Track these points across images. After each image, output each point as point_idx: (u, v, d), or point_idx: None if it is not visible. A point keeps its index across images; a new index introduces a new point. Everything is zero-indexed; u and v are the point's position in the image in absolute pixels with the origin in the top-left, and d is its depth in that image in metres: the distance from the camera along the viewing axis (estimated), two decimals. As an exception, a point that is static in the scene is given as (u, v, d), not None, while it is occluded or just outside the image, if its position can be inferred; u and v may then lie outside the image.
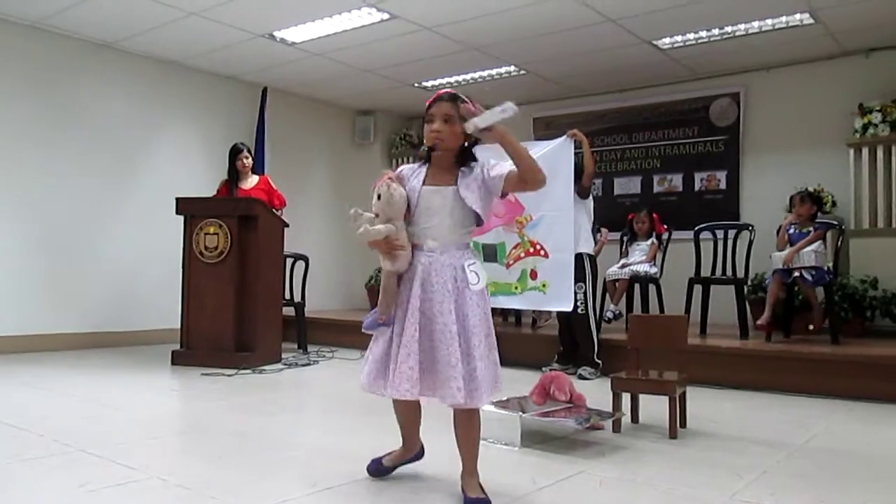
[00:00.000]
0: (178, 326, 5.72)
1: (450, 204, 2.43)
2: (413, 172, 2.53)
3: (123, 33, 6.52)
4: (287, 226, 6.09)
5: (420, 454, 2.77)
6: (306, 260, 6.92)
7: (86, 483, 2.54)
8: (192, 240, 5.63)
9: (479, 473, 2.46)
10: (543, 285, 5.54)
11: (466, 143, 2.45)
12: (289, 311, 6.46)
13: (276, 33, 6.49)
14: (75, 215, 6.60)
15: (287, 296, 6.60)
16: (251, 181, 6.11)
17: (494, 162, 2.43)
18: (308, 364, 5.91)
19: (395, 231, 2.43)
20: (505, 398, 3.52)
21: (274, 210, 6.01)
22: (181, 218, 5.73)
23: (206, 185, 6.57)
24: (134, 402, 4.31)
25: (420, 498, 2.51)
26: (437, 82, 7.88)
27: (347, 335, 7.15)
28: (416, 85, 8.00)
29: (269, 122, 8.04)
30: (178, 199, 5.78)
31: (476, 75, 7.59)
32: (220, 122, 7.71)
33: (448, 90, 2.50)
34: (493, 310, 5.98)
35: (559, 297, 5.44)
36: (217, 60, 7.26)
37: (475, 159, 2.49)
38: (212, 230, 5.55)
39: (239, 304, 5.55)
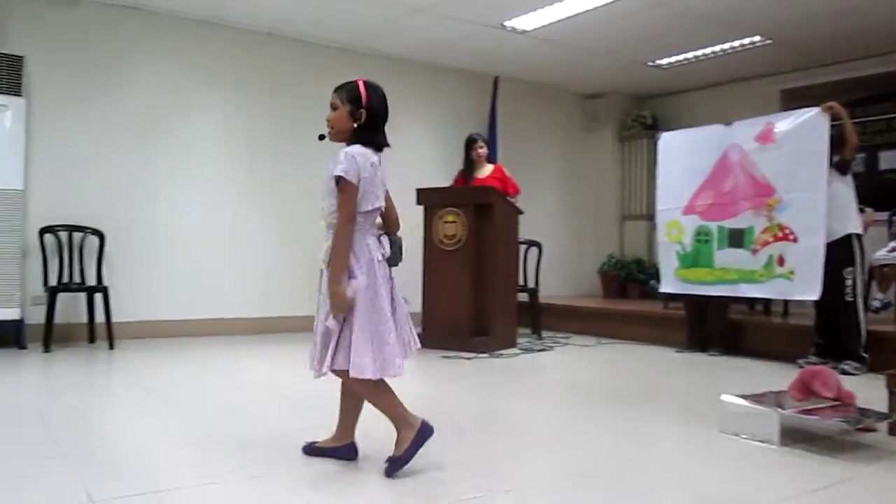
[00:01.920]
0: (419, 310, 6.00)
1: (324, 184, 2.53)
2: None
3: (356, 35, 6.93)
4: (521, 213, 6.16)
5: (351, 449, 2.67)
6: (540, 246, 6.96)
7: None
8: (431, 228, 5.88)
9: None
10: (790, 272, 5.13)
11: (356, 125, 2.51)
12: (522, 296, 6.54)
13: (506, 23, 6.55)
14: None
15: (521, 282, 6.68)
16: (486, 170, 6.24)
17: (342, 160, 2.43)
18: (543, 350, 5.95)
19: None
20: (761, 392, 3.29)
21: (508, 197, 6.10)
22: (415, 205, 5.99)
23: (441, 175, 6.84)
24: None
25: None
26: (672, 59, 7.54)
27: (581, 321, 7.12)
28: (649, 64, 7.71)
29: (501, 111, 8.16)
30: (418, 191, 6.05)
31: (717, 48, 7.13)
32: (451, 113, 7.95)
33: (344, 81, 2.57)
34: (737, 298, 5.74)
35: (806, 286, 5.01)
36: (449, 54, 7.50)
37: (368, 142, 2.52)
38: (450, 219, 5.76)
39: (476, 290, 5.71)
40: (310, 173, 6.97)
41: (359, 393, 2.58)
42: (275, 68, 6.89)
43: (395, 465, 2.45)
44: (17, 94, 5.49)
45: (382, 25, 6.63)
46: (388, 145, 2.60)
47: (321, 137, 2.62)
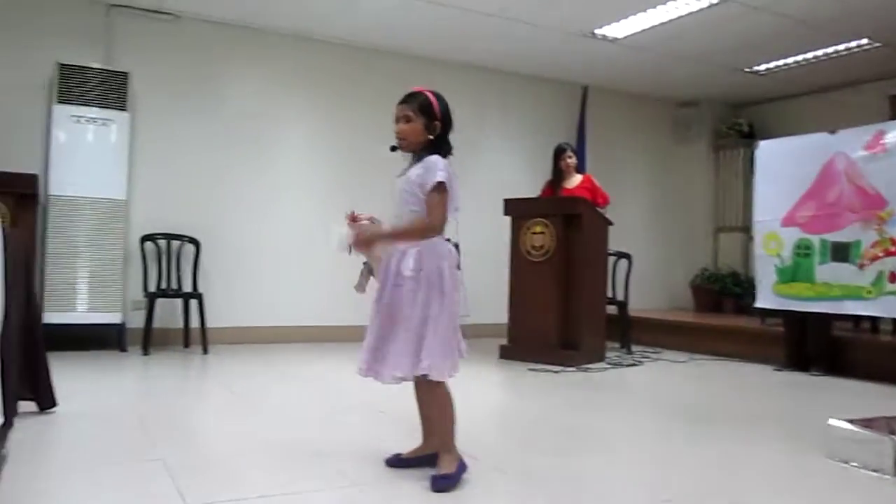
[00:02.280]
0: (505, 322, 5.94)
1: (398, 192, 2.59)
2: None
3: (446, 46, 6.96)
4: (611, 224, 6.02)
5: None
6: (629, 258, 6.79)
7: (435, 468, 2.72)
8: (519, 239, 5.82)
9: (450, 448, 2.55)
10: None
11: (431, 137, 2.56)
12: (611, 309, 6.38)
13: (597, 31, 6.45)
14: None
15: (610, 294, 6.53)
16: (575, 180, 6.13)
17: (441, 168, 2.49)
18: (633, 364, 5.79)
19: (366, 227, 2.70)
20: (871, 416, 3.09)
21: (598, 208, 5.97)
22: (502, 216, 5.95)
23: (529, 185, 6.77)
24: (469, 392, 4.55)
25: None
26: (771, 65, 7.25)
27: (672, 336, 6.91)
28: (746, 70, 7.44)
29: (589, 120, 8.04)
30: (506, 201, 6.00)
31: (820, 53, 6.82)
32: (540, 123, 7.87)
33: (410, 92, 2.61)
34: (840, 315, 5.43)
35: None
36: (538, 63, 7.43)
37: (441, 152, 2.56)
38: (538, 229, 5.69)
39: (563, 302, 5.61)
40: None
41: (428, 397, 2.61)
42: (366, 80, 6.96)
43: (449, 481, 2.46)
44: (122, 108, 5.74)
45: (473, 36, 6.64)
46: (452, 154, 2.65)
47: (393, 148, 2.68)
